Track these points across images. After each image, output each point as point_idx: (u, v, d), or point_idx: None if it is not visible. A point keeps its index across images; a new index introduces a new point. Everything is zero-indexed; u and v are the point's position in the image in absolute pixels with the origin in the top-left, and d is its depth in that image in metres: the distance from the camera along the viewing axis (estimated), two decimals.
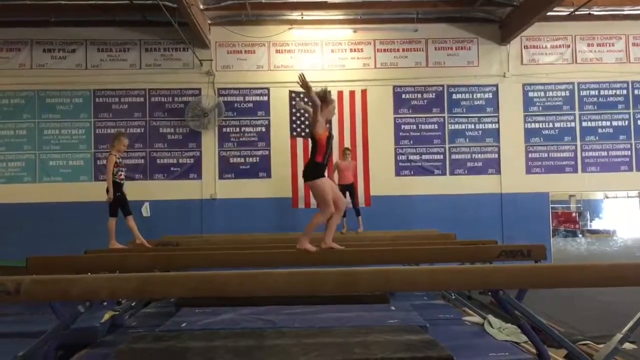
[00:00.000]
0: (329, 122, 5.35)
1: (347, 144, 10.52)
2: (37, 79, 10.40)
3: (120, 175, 7.24)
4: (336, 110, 10.49)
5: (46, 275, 3.37)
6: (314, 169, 5.05)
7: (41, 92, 10.45)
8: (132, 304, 5.88)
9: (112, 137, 7.61)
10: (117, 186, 7.12)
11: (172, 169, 10.49)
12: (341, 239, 7.20)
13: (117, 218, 7.17)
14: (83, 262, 5.13)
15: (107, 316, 5.11)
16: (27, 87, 10.41)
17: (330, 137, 5.23)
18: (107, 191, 7.08)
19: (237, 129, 10.61)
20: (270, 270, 3.41)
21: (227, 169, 10.52)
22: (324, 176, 5.14)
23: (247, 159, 10.58)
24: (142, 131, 10.49)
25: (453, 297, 6.70)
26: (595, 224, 26.89)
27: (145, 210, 10.07)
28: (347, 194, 9.21)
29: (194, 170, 10.50)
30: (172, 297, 5.90)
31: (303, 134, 10.54)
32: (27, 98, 10.45)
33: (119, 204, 7.16)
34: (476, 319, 5.62)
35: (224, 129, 10.58)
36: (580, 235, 23.87)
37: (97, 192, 9.77)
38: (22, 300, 3.01)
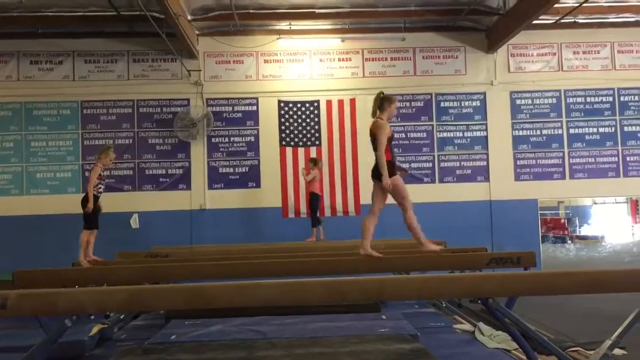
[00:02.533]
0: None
1: (336, 152, 10.54)
2: (24, 90, 10.34)
3: (100, 188, 7.25)
4: (322, 119, 10.56)
5: (33, 290, 3.33)
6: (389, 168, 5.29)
7: (28, 103, 10.39)
8: (121, 317, 5.83)
9: (101, 149, 7.59)
10: (94, 198, 7.12)
11: (161, 179, 10.45)
12: (323, 247, 7.19)
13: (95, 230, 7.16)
14: (70, 276, 5.09)
15: (95, 329, 5.07)
16: (14, 99, 10.33)
17: (392, 136, 5.56)
18: (83, 202, 7.06)
19: (226, 139, 10.59)
20: (260, 281, 3.40)
21: (216, 179, 10.49)
22: (395, 174, 5.40)
23: (237, 168, 10.56)
24: (131, 142, 10.44)
25: (444, 305, 6.71)
26: (584, 230, 27.02)
27: (134, 222, 10.01)
28: (313, 203, 9.41)
29: (183, 180, 10.45)
30: (161, 309, 5.86)
31: (292, 143, 10.54)
32: (14, 110, 10.38)
33: (97, 217, 7.14)
34: (467, 326, 5.62)
35: (213, 139, 10.56)
36: (569, 242, 23.95)
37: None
38: (8, 315, 2.97)
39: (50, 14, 9.72)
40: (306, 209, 9.77)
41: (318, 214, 9.48)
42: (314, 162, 9.73)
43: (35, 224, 9.97)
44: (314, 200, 9.51)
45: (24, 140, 10.35)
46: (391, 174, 5.36)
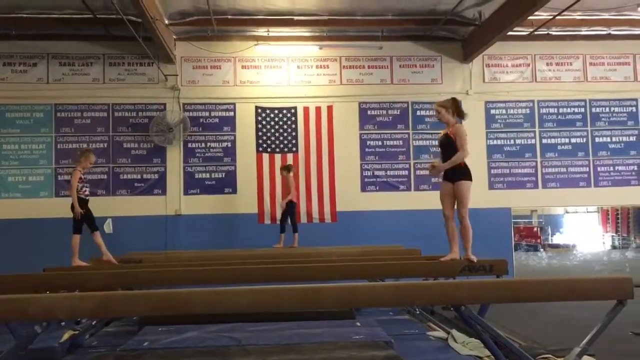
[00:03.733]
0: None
1: (313, 159, 10.55)
2: None
3: (85, 191, 7.19)
4: (301, 126, 10.59)
5: (2, 295, 3.27)
6: (467, 170, 5.69)
7: (1, 106, 10.21)
8: (93, 323, 5.75)
9: (80, 153, 7.52)
10: (82, 202, 7.04)
11: (135, 184, 10.34)
12: (298, 254, 7.20)
13: (81, 235, 7.06)
14: (41, 281, 5.02)
15: (66, 336, 5.00)
16: None
17: None
18: (72, 207, 6.98)
19: (203, 145, 10.54)
20: (234, 288, 3.39)
21: (192, 185, 10.42)
22: (468, 177, 5.74)
23: (213, 174, 10.51)
24: (105, 146, 10.32)
25: (417, 312, 6.75)
26: (556, 239, 27.46)
27: (108, 227, 9.88)
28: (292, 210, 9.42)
29: (158, 185, 10.37)
30: (133, 316, 5.80)
31: (269, 149, 10.53)
32: None
33: (83, 221, 7.06)
34: (440, 333, 5.67)
35: (189, 144, 10.50)
36: (541, 250, 24.31)
37: (57, 208, 9.62)
38: None
39: (25, 15, 9.58)
40: (282, 216, 9.71)
41: (289, 221, 9.46)
42: (288, 170, 9.70)
43: (6, 228, 9.79)
44: (292, 207, 9.50)
45: None
46: (468, 178, 5.70)
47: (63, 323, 5.36)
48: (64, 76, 10.35)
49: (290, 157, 10.53)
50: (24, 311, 3.06)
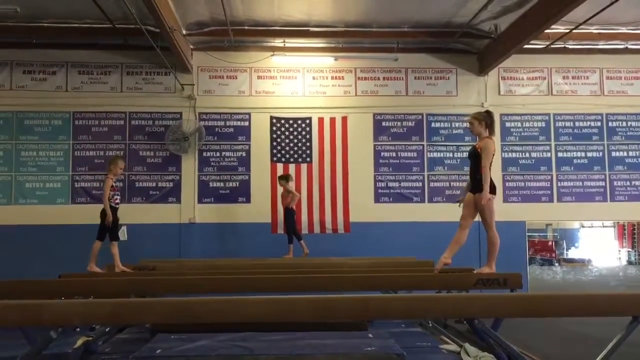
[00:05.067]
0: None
1: (327, 170, 10.57)
2: (16, 100, 10.31)
3: (116, 199, 7.22)
4: (315, 136, 10.62)
5: (18, 300, 3.31)
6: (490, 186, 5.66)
7: (20, 113, 10.36)
8: (106, 330, 5.79)
9: (109, 160, 7.58)
10: (112, 210, 7.07)
11: (150, 192, 10.42)
12: (310, 264, 7.20)
13: (102, 242, 7.11)
14: (56, 287, 5.06)
15: (80, 342, 5.03)
16: (5, 108, 10.31)
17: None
18: (102, 214, 7.01)
19: (218, 154, 10.60)
20: (247, 297, 3.40)
21: (206, 194, 10.48)
22: (493, 190, 5.78)
23: (227, 183, 10.56)
24: (122, 154, 10.40)
25: (430, 324, 6.71)
26: (572, 253, 27.17)
27: (123, 234, 9.89)
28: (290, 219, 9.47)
29: (173, 194, 10.44)
30: (146, 323, 5.82)
31: (283, 159, 10.57)
32: (5, 119, 10.35)
33: (109, 229, 7.09)
34: (453, 347, 5.63)
35: (204, 153, 10.57)
36: (556, 264, 24.07)
37: (74, 215, 9.74)
38: None
39: (45, 24, 9.73)
40: (283, 225, 9.72)
41: (291, 229, 9.49)
42: (286, 179, 9.71)
43: (23, 234, 9.90)
44: (291, 216, 9.52)
45: (14, 150, 10.31)
46: (491, 192, 5.71)
47: (78, 329, 5.40)
48: (82, 84, 10.49)
49: (304, 168, 10.56)
50: (38, 317, 3.09)
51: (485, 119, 5.85)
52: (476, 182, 5.77)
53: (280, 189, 9.87)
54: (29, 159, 10.31)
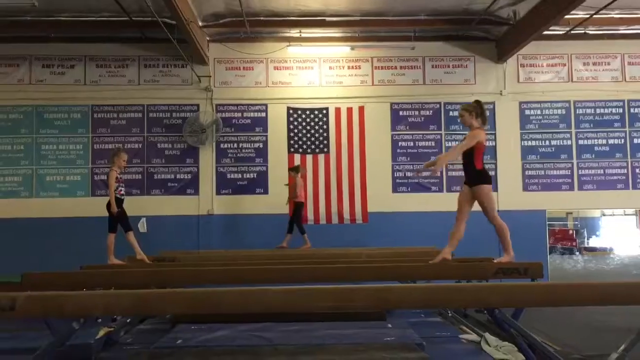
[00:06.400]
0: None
1: (344, 160, 10.55)
2: (36, 94, 10.44)
3: (121, 191, 7.29)
4: (331, 127, 10.59)
5: (41, 292, 3.35)
6: (483, 174, 5.61)
7: (40, 107, 10.48)
8: (128, 320, 5.85)
9: (112, 153, 7.64)
10: (118, 202, 7.16)
11: (169, 184, 10.49)
12: (329, 255, 7.19)
13: (116, 234, 7.19)
14: (78, 278, 5.11)
15: (101, 332, 5.08)
16: (25, 103, 10.44)
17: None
18: (108, 206, 7.10)
19: (235, 145, 10.63)
20: (267, 287, 3.40)
21: (224, 185, 10.52)
22: (488, 180, 5.67)
23: (245, 174, 10.59)
24: (140, 147, 10.50)
25: (450, 314, 6.68)
26: (593, 242, 26.90)
27: (142, 226, 10.05)
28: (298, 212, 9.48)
29: (191, 185, 10.50)
30: (167, 314, 5.87)
31: (300, 150, 10.56)
32: (26, 113, 10.47)
33: (118, 220, 7.18)
34: (473, 336, 5.60)
35: (222, 145, 10.61)
36: (577, 253, 23.84)
37: (94, 207, 9.82)
38: (17, 317, 2.99)
39: (63, 18, 9.80)
40: (290, 218, 9.72)
41: (289, 220, 9.53)
42: (296, 170, 9.70)
43: (44, 226, 10.04)
44: (299, 209, 9.51)
45: (35, 143, 10.44)
46: (485, 182, 5.63)
47: (99, 320, 5.45)
48: (100, 78, 10.57)
49: (321, 158, 10.55)
50: (62, 308, 3.12)
51: (475, 109, 5.74)
52: (471, 175, 5.68)
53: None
54: (49, 153, 10.44)
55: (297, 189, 9.54)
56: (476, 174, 5.63)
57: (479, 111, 5.75)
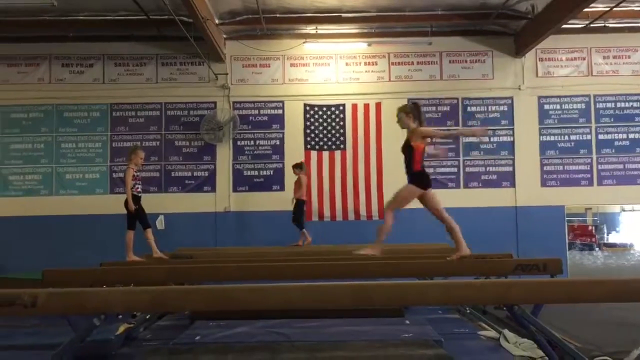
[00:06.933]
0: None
1: (361, 156, 10.53)
2: (56, 93, 10.55)
3: (137, 188, 7.35)
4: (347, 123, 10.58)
5: (62, 289, 3.39)
6: (420, 177, 5.54)
7: (59, 106, 10.59)
8: (147, 317, 5.90)
9: (129, 151, 7.70)
10: (135, 199, 7.21)
11: (186, 181, 10.56)
12: (345, 251, 7.18)
13: (135, 231, 7.25)
14: (98, 275, 5.17)
15: (121, 329, 5.14)
16: (45, 101, 10.55)
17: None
18: (126, 204, 7.17)
19: (252, 142, 10.66)
20: (284, 284, 3.42)
21: (241, 182, 10.56)
22: (420, 184, 5.55)
23: (261, 171, 10.62)
24: (158, 144, 10.57)
25: (468, 311, 6.65)
26: (612, 238, 26.54)
27: (160, 223, 10.11)
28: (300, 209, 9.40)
29: (208, 183, 10.55)
30: (186, 310, 5.92)
31: (317, 147, 10.56)
32: (46, 112, 10.60)
33: (136, 217, 7.24)
34: (492, 333, 5.57)
35: (239, 142, 10.64)
36: (596, 249, 23.53)
37: (112, 204, 9.91)
38: (38, 313, 3.03)
39: (81, 18, 9.89)
40: (293, 214, 9.65)
41: (303, 219, 9.45)
42: (300, 167, 9.65)
43: (64, 223, 10.16)
44: (302, 207, 9.47)
45: (55, 142, 10.56)
46: (417, 184, 5.55)
47: (120, 316, 5.52)
48: (119, 76, 10.66)
49: (338, 155, 10.54)
50: (82, 305, 3.16)
51: (412, 110, 5.66)
52: (411, 176, 5.58)
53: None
54: (68, 151, 10.55)
55: (302, 186, 9.48)
56: (412, 174, 5.55)
57: (416, 113, 5.67)
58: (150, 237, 7.25)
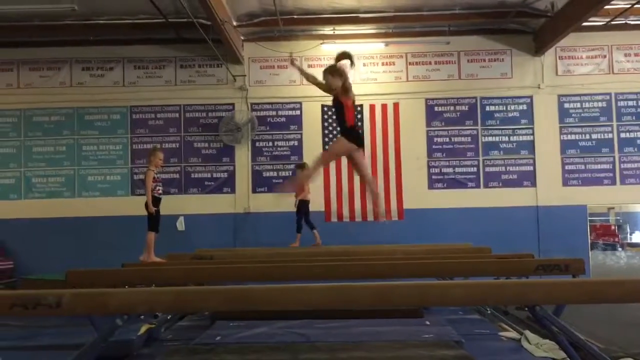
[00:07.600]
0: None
1: (379, 157, 10.51)
2: (77, 96, 10.70)
3: (159, 190, 7.40)
4: (368, 121, 10.56)
5: (86, 289, 3.44)
6: (351, 132, 5.50)
7: (80, 109, 10.74)
8: (168, 317, 5.95)
9: (148, 153, 7.77)
10: (156, 201, 7.27)
11: (206, 183, 10.63)
12: (365, 252, 7.18)
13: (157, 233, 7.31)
14: (120, 276, 5.22)
15: (143, 329, 5.19)
16: (67, 105, 10.70)
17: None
18: (146, 205, 7.22)
19: (270, 143, 10.70)
20: (305, 285, 3.42)
21: (260, 183, 10.60)
22: (354, 140, 5.50)
23: (280, 172, 10.65)
24: (177, 146, 10.66)
25: (488, 311, 6.60)
26: (636, 237, 26.19)
27: (180, 224, 10.21)
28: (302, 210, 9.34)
29: (227, 184, 10.61)
30: (207, 311, 5.95)
31: None
32: (67, 115, 10.74)
33: (158, 218, 7.30)
34: (513, 334, 5.53)
35: (257, 144, 10.69)
36: (619, 249, 23.25)
37: (133, 206, 9.99)
38: (63, 314, 3.07)
39: (101, 21, 10.03)
40: (297, 215, 9.61)
41: (304, 220, 9.40)
42: (302, 168, 9.60)
43: (87, 225, 10.29)
44: (306, 206, 9.43)
45: (76, 144, 10.70)
46: (347, 138, 5.49)
47: (142, 316, 5.57)
48: (138, 79, 10.77)
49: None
50: (106, 305, 3.19)
51: (337, 70, 5.56)
52: (343, 132, 5.57)
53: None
54: (90, 153, 10.69)
55: (305, 188, 9.44)
56: (345, 131, 5.52)
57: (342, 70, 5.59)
58: (152, 240, 7.29)
